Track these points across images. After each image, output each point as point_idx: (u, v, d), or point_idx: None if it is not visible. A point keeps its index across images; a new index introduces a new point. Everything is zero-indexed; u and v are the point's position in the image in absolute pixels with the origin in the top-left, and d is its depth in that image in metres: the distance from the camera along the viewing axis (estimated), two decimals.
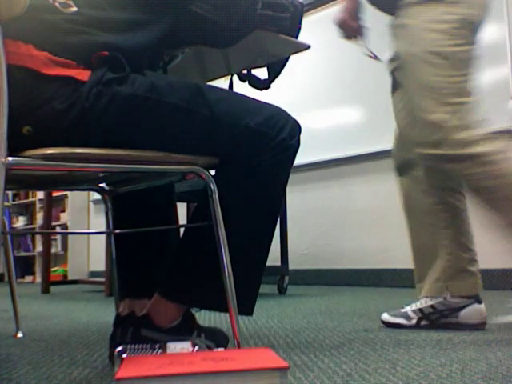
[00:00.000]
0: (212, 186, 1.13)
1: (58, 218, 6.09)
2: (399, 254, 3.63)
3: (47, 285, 3.98)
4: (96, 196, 6.02)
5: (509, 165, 1.40)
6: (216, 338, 1.27)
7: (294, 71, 4.32)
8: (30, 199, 6.58)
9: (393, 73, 1.71)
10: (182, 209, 2.35)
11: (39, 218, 6.36)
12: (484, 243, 3.18)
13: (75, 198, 6.10)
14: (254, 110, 1.17)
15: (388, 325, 1.73)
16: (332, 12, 3.92)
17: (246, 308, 1.20)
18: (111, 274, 1.45)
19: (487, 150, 1.41)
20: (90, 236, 6.22)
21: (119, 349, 0.99)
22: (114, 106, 1.03)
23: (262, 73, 1.62)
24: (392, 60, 1.69)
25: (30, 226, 6.61)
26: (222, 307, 1.14)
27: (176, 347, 0.98)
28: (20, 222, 6.72)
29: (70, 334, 1.74)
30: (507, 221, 1.42)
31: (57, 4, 1.06)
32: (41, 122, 1.00)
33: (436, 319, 1.66)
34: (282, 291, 3.35)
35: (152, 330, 1.17)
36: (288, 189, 3.31)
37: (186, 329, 1.22)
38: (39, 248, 6.16)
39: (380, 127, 3.64)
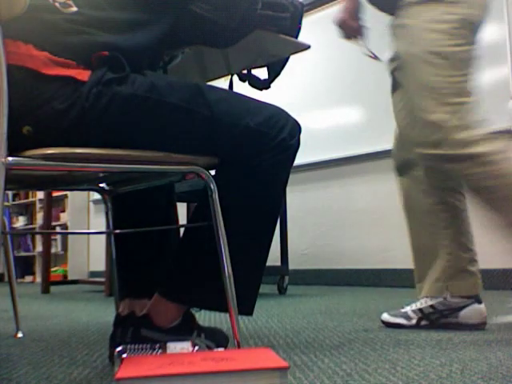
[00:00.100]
0: (212, 186, 1.13)
1: (58, 218, 6.09)
2: (399, 254, 3.63)
3: (47, 285, 3.98)
4: (96, 196, 6.02)
5: (509, 165, 1.40)
6: (216, 338, 1.27)
7: (294, 71, 4.32)
8: (30, 199, 6.59)
9: (393, 73, 1.71)
10: (181, 209, 2.35)
11: (39, 218, 6.36)
12: (484, 243, 3.18)
13: (75, 198, 6.10)
14: (254, 110, 1.17)
15: (388, 325, 1.73)
16: (332, 12, 3.92)
17: (246, 308, 1.20)
18: (111, 274, 1.45)
19: (487, 150, 1.41)
20: (90, 236, 6.22)
21: (119, 349, 0.99)
22: (113, 106, 1.03)
23: (262, 73, 1.62)
24: (392, 60, 1.69)
25: (30, 226, 6.62)
26: (222, 307, 1.14)
27: (176, 347, 0.98)
28: (20, 222, 6.72)
29: (70, 334, 1.74)
30: (507, 221, 1.42)
31: (57, 4, 1.06)
32: (41, 122, 1.00)
33: (436, 319, 1.66)
34: (281, 291, 3.35)
35: (152, 329, 1.17)
36: (288, 189, 3.32)
37: (186, 329, 1.22)
38: (39, 248, 6.16)
39: (380, 127, 3.64)
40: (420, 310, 1.68)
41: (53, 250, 5.76)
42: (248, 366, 0.76)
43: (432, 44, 1.51)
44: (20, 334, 1.71)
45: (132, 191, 1.34)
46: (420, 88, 1.52)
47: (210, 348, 1.22)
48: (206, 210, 1.14)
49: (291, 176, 1.25)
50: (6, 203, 6.07)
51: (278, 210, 1.24)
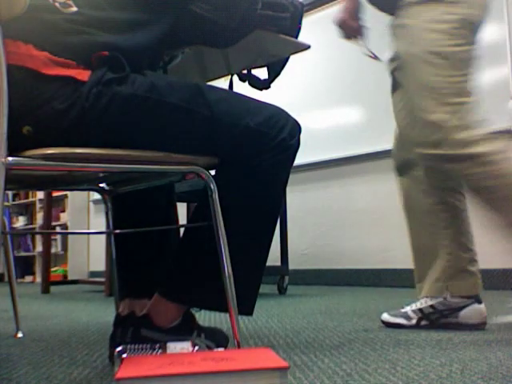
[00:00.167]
0: (212, 186, 1.13)
1: (57, 218, 6.09)
2: (399, 254, 3.63)
3: (47, 285, 3.98)
4: (96, 196, 6.02)
5: (509, 165, 1.40)
6: (216, 338, 1.27)
7: (294, 71, 4.32)
8: (30, 199, 6.59)
9: (393, 73, 1.71)
10: (181, 209, 2.35)
11: (39, 218, 6.36)
12: (484, 243, 3.18)
13: (75, 198, 6.10)
14: (254, 110, 1.17)
15: (388, 325, 1.73)
16: (332, 12, 3.92)
17: (246, 308, 1.20)
18: (111, 273, 1.45)
19: (487, 150, 1.41)
20: (90, 236, 6.22)
21: (119, 349, 0.99)
22: (114, 106, 1.03)
23: (262, 73, 1.62)
24: (392, 60, 1.69)
25: (30, 226, 6.62)
26: (222, 307, 1.14)
27: (176, 347, 0.98)
28: (20, 222, 6.72)
29: (70, 334, 1.74)
30: (507, 221, 1.42)
31: (57, 4, 1.06)
32: (41, 122, 1.00)
33: (436, 319, 1.66)
34: (282, 291, 3.35)
35: (152, 330, 1.17)
36: (288, 189, 3.31)
37: (186, 329, 1.22)
38: (39, 248, 6.16)
39: (380, 127, 3.64)
40: (420, 309, 1.68)
41: (53, 250, 5.76)
42: (248, 366, 0.76)
43: (432, 44, 1.51)
44: (20, 334, 1.71)
45: (132, 191, 1.34)
46: (420, 88, 1.52)
47: (209, 348, 1.22)
48: (206, 210, 1.14)
49: (291, 176, 1.25)
50: (6, 203, 6.07)
51: (278, 209, 1.23)
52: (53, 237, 5.89)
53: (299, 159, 1.67)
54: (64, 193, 6.06)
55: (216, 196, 1.13)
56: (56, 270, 5.86)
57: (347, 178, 4.01)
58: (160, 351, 0.98)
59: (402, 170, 1.76)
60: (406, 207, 1.76)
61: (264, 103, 1.21)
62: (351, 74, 3.95)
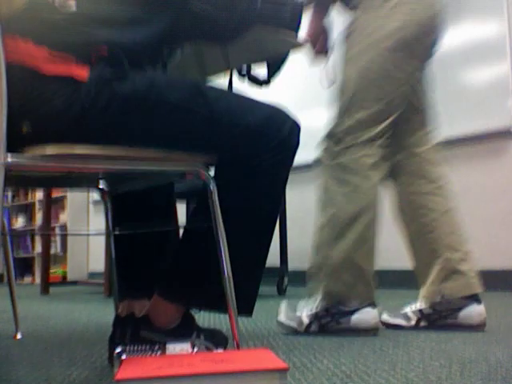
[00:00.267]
0: (211, 186, 1.13)
1: (57, 219, 6.08)
2: (399, 254, 3.61)
3: (46, 286, 3.97)
4: (96, 196, 6.01)
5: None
6: (215, 339, 1.27)
7: (294, 71, 4.31)
8: (30, 200, 6.58)
9: None
10: (181, 209, 2.35)
11: (38, 218, 6.36)
12: (484, 243, 3.19)
13: (75, 199, 6.10)
14: (254, 110, 1.17)
15: (387, 325, 1.73)
16: (332, 11, 3.91)
17: (246, 309, 1.20)
18: (111, 274, 1.45)
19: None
20: (90, 237, 6.22)
21: (118, 350, 0.99)
22: (113, 105, 1.03)
23: (261, 70, 1.62)
24: None
25: (30, 227, 6.61)
26: (222, 308, 1.14)
27: (175, 348, 0.98)
28: (19, 223, 6.72)
29: (70, 334, 1.74)
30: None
31: (56, 3, 1.06)
32: (40, 122, 1.00)
33: (435, 320, 1.66)
34: (281, 292, 3.35)
35: (151, 330, 1.16)
36: (288, 189, 3.31)
37: (186, 330, 1.22)
38: (38, 249, 6.15)
39: None
40: (419, 310, 1.68)
41: (52, 251, 5.75)
42: (247, 367, 0.76)
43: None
44: (19, 335, 1.71)
45: (132, 191, 1.34)
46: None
47: (209, 349, 1.21)
48: (205, 210, 1.14)
49: (291, 176, 1.25)
50: (6, 204, 6.07)
51: (277, 209, 1.23)
52: (52, 237, 5.88)
53: (299, 159, 1.67)
54: (63, 193, 6.05)
55: (215, 196, 1.12)
56: (55, 271, 5.86)
57: None
58: (159, 352, 0.97)
59: (391, 172, 1.77)
60: (399, 209, 1.78)
61: (263, 103, 1.21)
62: None
